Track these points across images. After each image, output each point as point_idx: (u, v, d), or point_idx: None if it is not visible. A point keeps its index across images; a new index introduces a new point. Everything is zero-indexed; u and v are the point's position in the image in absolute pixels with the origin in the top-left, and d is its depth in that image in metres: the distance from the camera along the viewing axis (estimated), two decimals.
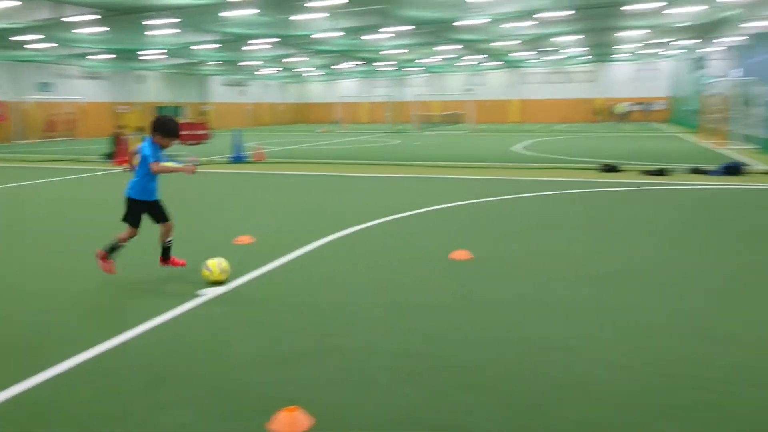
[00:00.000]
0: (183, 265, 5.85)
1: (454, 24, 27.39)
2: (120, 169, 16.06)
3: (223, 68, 46.09)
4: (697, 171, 13.29)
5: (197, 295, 5.11)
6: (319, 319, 4.57)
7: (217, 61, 40.43)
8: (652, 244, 6.83)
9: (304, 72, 53.18)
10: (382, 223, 8.26)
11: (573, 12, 25.34)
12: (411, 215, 8.78)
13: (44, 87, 37.24)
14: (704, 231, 7.54)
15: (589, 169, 14.17)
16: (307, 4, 21.64)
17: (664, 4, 23.98)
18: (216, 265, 5.44)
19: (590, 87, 52.63)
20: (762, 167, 14.02)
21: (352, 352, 3.93)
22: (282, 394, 3.37)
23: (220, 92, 53.23)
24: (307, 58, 41.53)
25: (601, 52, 43.10)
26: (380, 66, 48.70)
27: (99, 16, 22.38)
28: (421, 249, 6.78)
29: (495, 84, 55.54)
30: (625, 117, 48.02)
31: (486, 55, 43.26)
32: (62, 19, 22.40)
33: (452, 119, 49.32)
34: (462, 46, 36.61)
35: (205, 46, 32.44)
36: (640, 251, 6.52)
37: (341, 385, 3.48)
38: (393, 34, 30.74)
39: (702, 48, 38.82)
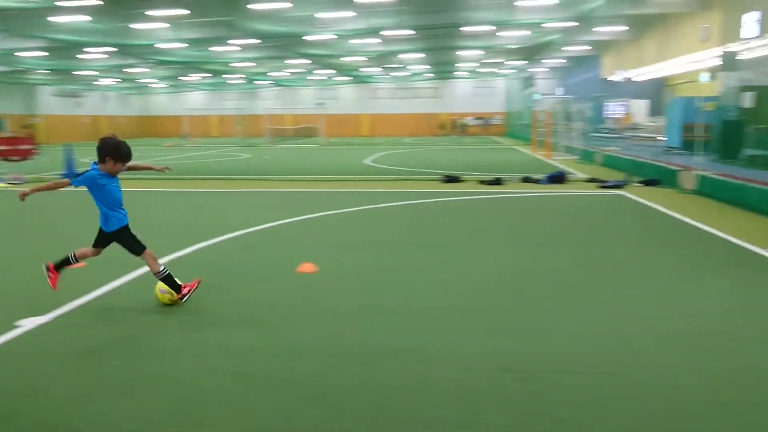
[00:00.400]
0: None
1: (303, 39, 27.57)
2: None
3: (54, 78, 42.34)
4: (527, 180, 14.50)
5: (15, 326, 4.63)
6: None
7: (46, 69, 37.09)
8: (485, 250, 7.33)
9: (148, 83, 50.49)
10: (229, 239, 8.05)
11: (414, 32, 26.62)
12: (260, 230, 8.66)
13: None
14: (520, 236, 8.24)
15: (434, 180, 14.90)
16: (147, 12, 20.61)
17: (494, 28, 25.97)
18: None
19: (435, 102, 55.51)
20: (581, 176, 15.63)
21: (192, 373, 3.78)
22: (114, 428, 3.15)
23: (51, 104, 48.82)
24: (150, 69, 39.49)
25: (444, 69, 45.70)
26: (230, 78, 47.62)
27: None
28: (268, 263, 6.70)
29: (346, 98, 56.63)
30: (465, 131, 51.13)
31: (335, 71, 44.00)
32: None
33: (305, 133, 49.43)
34: (311, 61, 36.92)
35: (31, 53, 29.63)
36: (475, 256, 6.97)
37: (181, 408, 3.33)
38: (240, 47, 30.25)
39: (530, 68, 42.57)
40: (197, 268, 6.33)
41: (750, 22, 16.39)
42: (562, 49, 32.51)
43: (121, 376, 3.77)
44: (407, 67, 43.13)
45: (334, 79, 50.60)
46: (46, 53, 29.33)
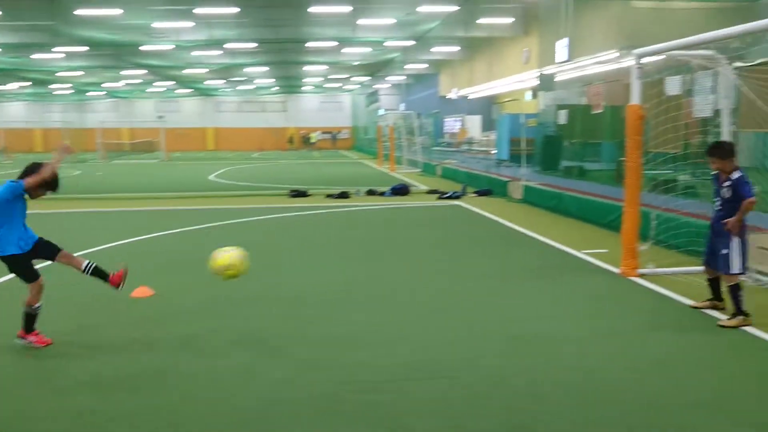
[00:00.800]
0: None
1: (138, 48, 26.08)
2: None
3: None
4: (372, 192, 14.88)
5: None
6: None
7: None
8: (329, 264, 7.40)
9: None
10: (50, 266, 7.31)
11: (257, 45, 26.31)
12: (87, 253, 7.98)
13: None
14: (362, 248, 8.45)
15: (281, 195, 14.76)
16: None
17: (337, 44, 26.49)
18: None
19: (282, 116, 55.17)
20: (423, 187, 16.36)
21: (10, 416, 3.37)
22: None
23: None
24: None
25: (290, 84, 45.68)
26: (56, 88, 43.67)
27: None
28: (100, 290, 6.19)
29: (189, 111, 54.40)
30: (313, 145, 51.43)
31: (176, 82, 42.16)
32: None
33: (144, 147, 46.64)
34: (149, 72, 35.04)
35: None
36: (319, 270, 7.00)
37: None
38: (65, 55, 27.90)
39: (374, 84, 43.94)
40: (7, 303, 5.67)
41: (561, 47, 18.29)
42: (404, 66, 33.95)
43: None
44: (253, 81, 42.51)
45: (175, 91, 48.42)
46: None
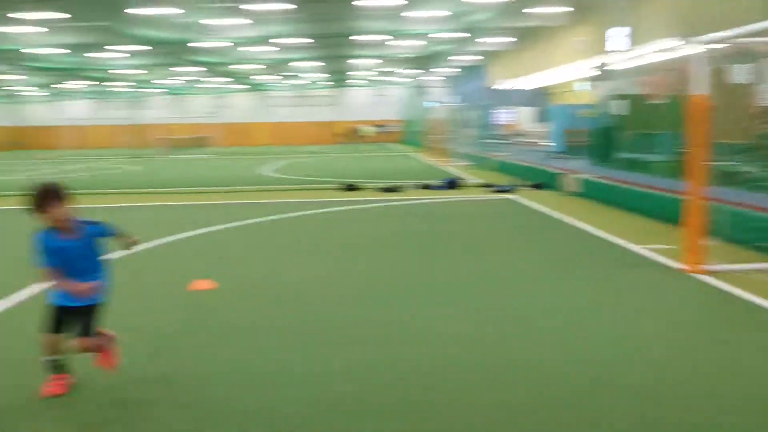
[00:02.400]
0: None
1: (192, 46, 26.74)
2: None
3: None
4: (424, 186, 14.86)
5: None
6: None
7: None
8: (388, 257, 7.43)
9: (19, 91, 46.84)
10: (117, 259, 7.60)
11: (311, 40, 26.59)
12: (153, 247, 8.25)
13: None
14: (418, 242, 8.44)
15: (333, 188, 14.90)
16: (12, 15, 19.06)
17: (388, 37, 26.49)
18: None
19: (332, 110, 55.64)
20: (474, 180, 16.22)
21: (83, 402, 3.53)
22: None
23: None
24: (24, 77, 36.74)
25: (340, 78, 46.00)
26: (114, 86, 45.24)
27: None
28: (162, 282, 6.40)
29: (242, 107, 55.48)
30: (363, 138, 51.66)
31: (230, 78, 43.03)
32: None
33: (198, 143, 47.89)
34: (203, 69, 35.88)
35: None
36: (378, 263, 7.04)
37: None
38: (127, 54, 28.85)
39: (424, 77, 43.77)
40: None
41: (620, 36, 17.77)
42: (454, 58, 33.67)
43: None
44: (304, 75, 43.00)
45: (228, 87, 49.46)
46: None
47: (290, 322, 5.01)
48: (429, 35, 26.23)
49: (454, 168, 20.98)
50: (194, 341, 4.61)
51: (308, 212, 11.22)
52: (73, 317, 3.64)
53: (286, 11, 20.92)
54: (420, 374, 3.89)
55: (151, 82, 43.14)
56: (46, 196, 3.48)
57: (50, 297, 3.68)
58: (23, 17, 19.25)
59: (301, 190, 15.14)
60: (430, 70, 39.62)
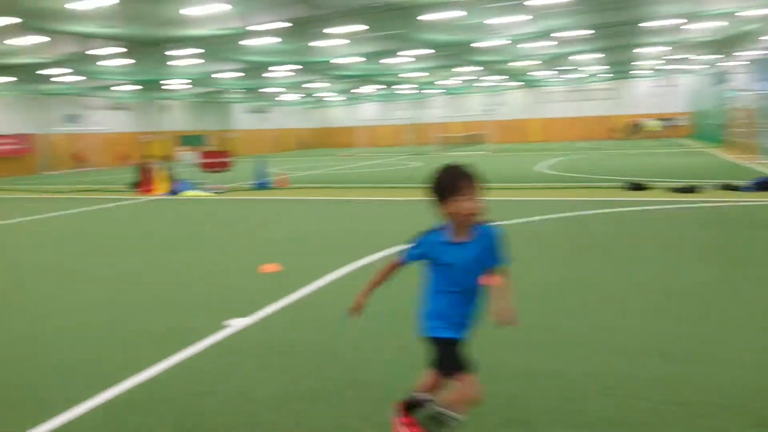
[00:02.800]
0: None
1: (473, 46, 27.53)
2: (145, 198, 16.27)
3: (245, 95, 46.79)
4: (728, 187, 13.01)
5: (224, 326, 5.08)
6: (350, 351, 4.48)
7: (240, 88, 41.06)
8: (689, 267, 6.65)
9: (325, 97, 53.75)
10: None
11: (592, 31, 25.33)
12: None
13: (71, 119, 38.13)
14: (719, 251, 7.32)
15: (615, 187, 13.96)
16: (326, 30, 21.92)
17: (684, 21, 23.84)
18: None
19: (610, 104, 52.31)
20: None
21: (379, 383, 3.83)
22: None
23: (242, 119, 53.97)
24: (329, 84, 42.00)
25: (621, 69, 42.97)
26: (400, 89, 49.03)
27: (124, 49, 22.91)
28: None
29: (515, 104, 55.53)
30: (645, 133, 47.48)
31: (505, 76, 43.35)
32: (88, 53, 22.97)
33: (473, 140, 49.32)
34: (481, 68, 36.74)
35: (227, 75, 33.00)
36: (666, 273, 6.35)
37: (370, 414, 3.38)
38: (413, 58, 30.99)
39: (724, 62, 38.45)
40: None
41: None
42: (762, 39, 28.85)
43: (314, 380, 3.94)
44: (582, 69, 41.22)
45: (502, 84, 49.93)
46: (241, 73, 32.42)
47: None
48: (736, 14, 22.83)
49: (762, 166, 18.01)
50: None
51: (589, 212, 10.66)
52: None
53: (568, 3, 20.20)
54: (692, 401, 3.35)
55: (434, 83, 45.66)
56: (457, 181, 2.73)
57: (430, 328, 2.87)
58: (334, 32, 21.98)
59: (578, 188, 14.49)
60: (733, 54, 34.60)
